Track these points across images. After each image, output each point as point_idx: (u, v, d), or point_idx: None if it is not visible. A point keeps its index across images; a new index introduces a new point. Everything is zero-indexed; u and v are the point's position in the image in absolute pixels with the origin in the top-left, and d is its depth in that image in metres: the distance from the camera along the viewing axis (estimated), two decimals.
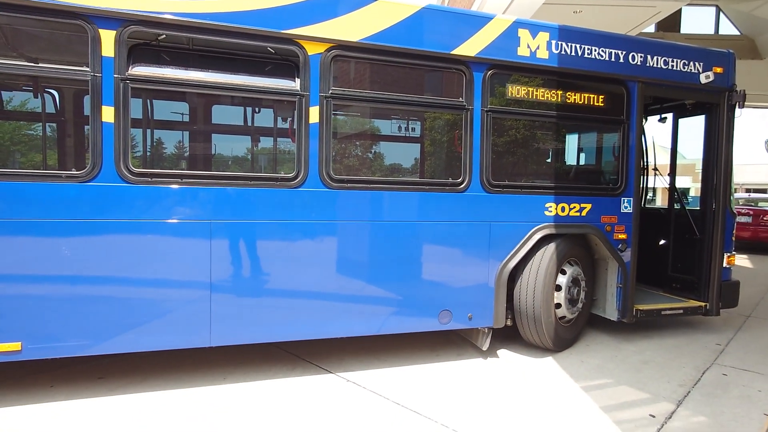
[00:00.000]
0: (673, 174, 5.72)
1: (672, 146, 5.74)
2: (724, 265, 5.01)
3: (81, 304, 3.25)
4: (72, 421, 3.11)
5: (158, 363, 4.00)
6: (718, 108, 4.92)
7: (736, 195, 15.63)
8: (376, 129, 4.69)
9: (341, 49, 3.70)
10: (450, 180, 4.11)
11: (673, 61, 4.65)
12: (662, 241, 5.62)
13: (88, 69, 3.18)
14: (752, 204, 13.23)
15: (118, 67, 3.23)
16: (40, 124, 3.93)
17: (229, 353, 4.18)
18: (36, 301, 3.18)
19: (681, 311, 4.96)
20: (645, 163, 6.00)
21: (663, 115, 5.76)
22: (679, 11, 13.82)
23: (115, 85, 3.23)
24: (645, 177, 6.04)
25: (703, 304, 5.01)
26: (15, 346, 3.15)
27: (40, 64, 3.34)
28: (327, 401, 3.48)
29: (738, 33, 14.14)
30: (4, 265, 3.10)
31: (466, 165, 4.06)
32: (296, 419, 3.21)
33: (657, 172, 5.91)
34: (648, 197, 6.78)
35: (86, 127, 3.33)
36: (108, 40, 3.20)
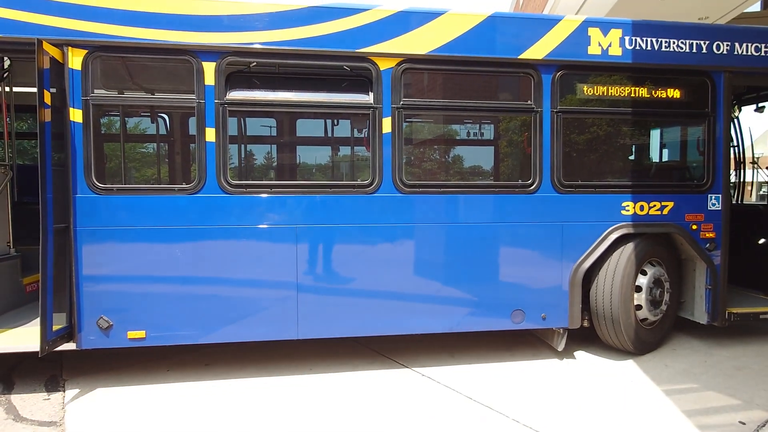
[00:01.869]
0: None
1: None
2: None
3: (191, 300, 3.78)
4: (184, 399, 3.63)
5: (255, 354, 4.48)
6: None
7: None
8: (446, 135, 4.88)
9: (411, 62, 3.94)
10: (520, 182, 4.18)
11: (766, 47, 4.34)
12: (762, 240, 5.20)
13: (194, 96, 3.71)
14: None
15: (218, 93, 3.72)
16: (156, 144, 4.60)
17: (315, 347, 4.56)
18: (156, 296, 3.75)
19: None
20: (741, 157, 5.62)
21: (760, 104, 5.34)
22: None
23: (216, 109, 3.73)
24: (741, 171, 5.65)
25: None
26: (141, 334, 3.74)
27: (158, 95, 3.95)
28: (403, 393, 3.71)
29: None
30: (132, 266, 3.71)
31: (536, 166, 4.11)
32: (374, 407, 3.48)
33: (756, 166, 5.50)
34: (763, 192, 6.26)
35: (192, 145, 3.88)
36: (209, 70, 3.71)
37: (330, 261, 3.95)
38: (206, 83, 3.71)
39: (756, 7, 12.14)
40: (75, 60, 3.58)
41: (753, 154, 5.57)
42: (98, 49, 3.61)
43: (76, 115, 3.59)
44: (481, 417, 3.33)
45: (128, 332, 3.72)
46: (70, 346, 3.70)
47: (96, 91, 3.67)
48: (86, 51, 3.58)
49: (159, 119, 4.44)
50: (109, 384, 3.87)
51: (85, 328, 3.67)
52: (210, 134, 3.73)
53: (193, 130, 3.83)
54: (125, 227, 3.68)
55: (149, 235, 3.71)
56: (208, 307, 3.80)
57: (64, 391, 3.77)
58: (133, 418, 3.35)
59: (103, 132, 4.14)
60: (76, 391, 3.75)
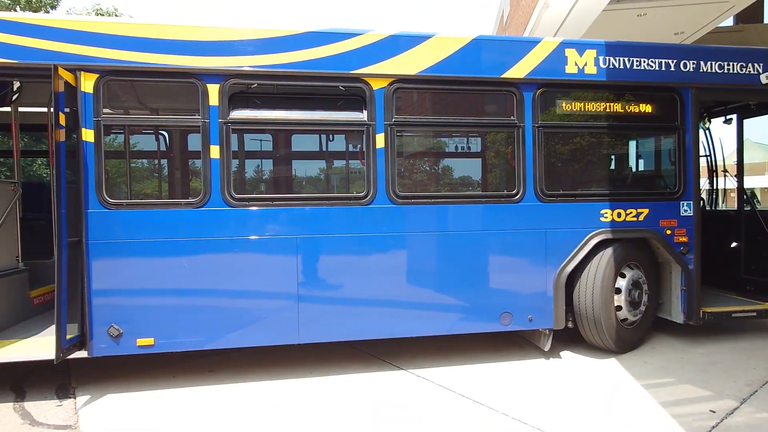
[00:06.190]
0: (740, 175, 5.62)
1: (738, 147, 5.65)
2: None
3: (197, 308, 3.98)
4: (190, 403, 3.82)
5: (256, 359, 4.67)
6: None
7: None
8: (436, 149, 5.17)
9: (402, 82, 4.23)
10: (505, 192, 4.47)
11: (729, 65, 4.70)
12: (734, 244, 5.53)
13: (199, 116, 3.96)
14: None
15: (221, 113, 3.97)
16: (163, 161, 4.83)
17: (313, 352, 4.77)
18: (164, 304, 3.95)
19: (754, 314, 4.88)
20: (714, 165, 5.97)
21: (727, 117, 5.71)
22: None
23: (220, 127, 3.97)
24: (715, 179, 5.99)
25: None
26: (149, 341, 3.93)
27: (164, 115, 4.19)
28: (399, 393, 3.93)
29: None
30: (141, 276, 3.91)
31: (519, 177, 4.40)
32: (372, 406, 3.70)
33: (726, 173, 5.85)
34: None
35: (197, 161, 4.11)
36: (214, 92, 3.96)
37: (328, 269, 4.19)
38: (210, 104, 3.96)
39: (729, 22, 12.68)
40: (87, 83, 3.81)
41: (724, 163, 5.91)
42: (109, 73, 3.85)
43: (87, 135, 3.81)
44: (473, 412, 3.56)
45: (137, 340, 3.91)
46: (81, 354, 3.88)
47: (106, 111, 3.90)
48: (98, 75, 3.82)
49: (165, 137, 4.68)
50: (119, 390, 4.05)
51: (96, 336, 3.86)
52: (214, 151, 3.97)
53: (197, 146, 4.06)
54: (134, 240, 3.89)
55: (157, 247, 3.92)
56: (214, 315, 4.01)
57: (75, 398, 3.94)
58: (143, 420, 3.54)
59: (112, 150, 4.35)
60: (87, 397, 3.92)
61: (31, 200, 5.59)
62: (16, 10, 14.20)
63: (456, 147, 5.05)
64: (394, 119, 4.21)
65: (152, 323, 3.93)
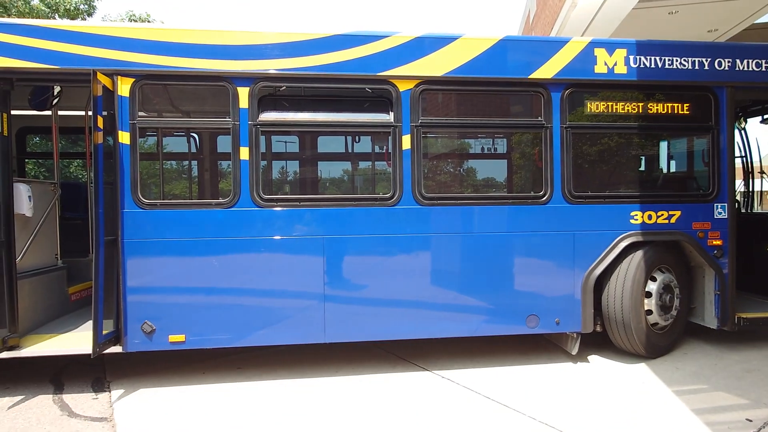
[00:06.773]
0: None
1: None
2: None
3: (227, 306, 4.07)
4: (220, 399, 3.91)
5: (283, 357, 4.75)
6: None
7: None
8: (462, 150, 5.16)
9: (428, 83, 4.24)
10: (532, 193, 4.43)
11: (766, 63, 4.55)
12: None
13: (230, 119, 4.05)
14: None
15: (251, 115, 4.06)
16: (195, 162, 4.95)
17: (340, 351, 4.82)
18: (195, 302, 4.04)
19: None
20: (749, 167, 5.79)
21: (765, 116, 5.52)
22: None
23: (249, 129, 4.06)
24: (750, 181, 5.81)
25: None
26: (181, 337, 4.04)
27: (197, 117, 4.31)
28: (423, 393, 3.94)
29: None
30: (174, 275, 4.02)
31: (547, 179, 4.36)
32: (396, 406, 3.71)
33: (763, 175, 5.67)
34: None
35: (227, 163, 4.21)
36: (243, 95, 4.05)
37: (354, 270, 4.22)
38: (240, 106, 4.05)
39: (766, 18, 12.19)
40: (123, 87, 3.94)
41: (761, 164, 5.73)
42: (144, 78, 3.97)
43: (123, 137, 3.95)
44: (497, 414, 3.54)
45: (169, 336, 4.02)
46: (116, 349, 4.01)
47: (141, 114, 4.03)
48: (133, 79, 3.95)
49: (196, 139, 4.81)
50: (151, 385, 4.17)
51: (130, 332, 3.99)
52: (244, 153, 4.06)
53: (227, 148, 4.16)
54: (167, 239, 4.00)
55: (189, 246, 4.02)
56: (242, 314, 4.09)
57: (110, 392, 4.07)
58: (174, 414, 3.64)
59: (147, 152, 4.49)
60: (122, 391, 4.05)
61: (69, 200, 5.81)
62: (55, 18, 14.76)
63: (482, 148, 5.04)
64: (420, 121, 4.22)
65: (183, 320, 4.04)
